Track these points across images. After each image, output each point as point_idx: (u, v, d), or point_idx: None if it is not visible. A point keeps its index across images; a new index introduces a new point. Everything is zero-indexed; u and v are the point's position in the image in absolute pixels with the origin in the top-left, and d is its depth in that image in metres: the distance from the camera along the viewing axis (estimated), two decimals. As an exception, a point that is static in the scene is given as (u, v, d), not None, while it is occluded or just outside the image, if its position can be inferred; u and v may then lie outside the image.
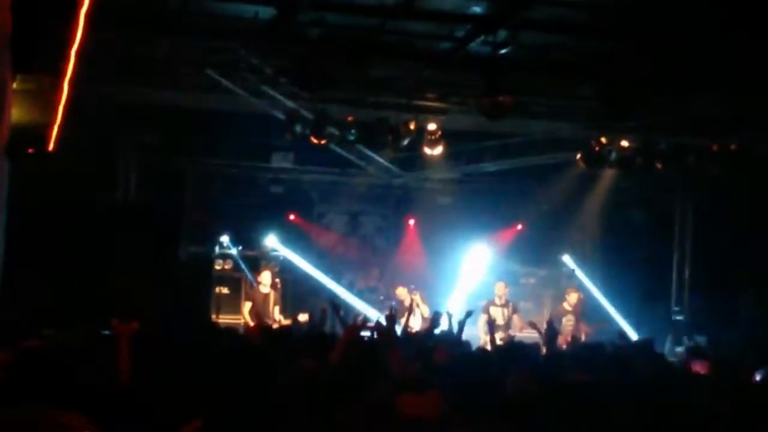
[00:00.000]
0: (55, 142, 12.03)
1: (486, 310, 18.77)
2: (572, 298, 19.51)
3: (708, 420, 6.48)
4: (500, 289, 19.53)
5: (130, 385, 6.18)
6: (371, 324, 12.06)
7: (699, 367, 10.31)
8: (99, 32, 13.60)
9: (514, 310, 18.98)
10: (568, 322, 18.96)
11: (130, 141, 18.28)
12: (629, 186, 20.58)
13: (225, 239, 20.19)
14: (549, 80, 16.68)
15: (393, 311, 10.74)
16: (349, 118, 17.32)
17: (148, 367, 6.66)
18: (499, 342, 15.02)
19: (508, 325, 18.77)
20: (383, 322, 9.50)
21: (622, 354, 11.10)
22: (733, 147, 18.27)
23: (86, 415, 4.16)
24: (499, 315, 18.70)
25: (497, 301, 19.29)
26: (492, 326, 15.02)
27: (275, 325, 17.38)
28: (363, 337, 8.47)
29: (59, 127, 11.34)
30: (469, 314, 13.32)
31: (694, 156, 18.49)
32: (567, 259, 22.04)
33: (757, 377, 9.52)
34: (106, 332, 7.95)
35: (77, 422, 3.93)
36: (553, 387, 6.66)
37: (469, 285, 20.93)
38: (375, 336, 8.46)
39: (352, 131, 17.45)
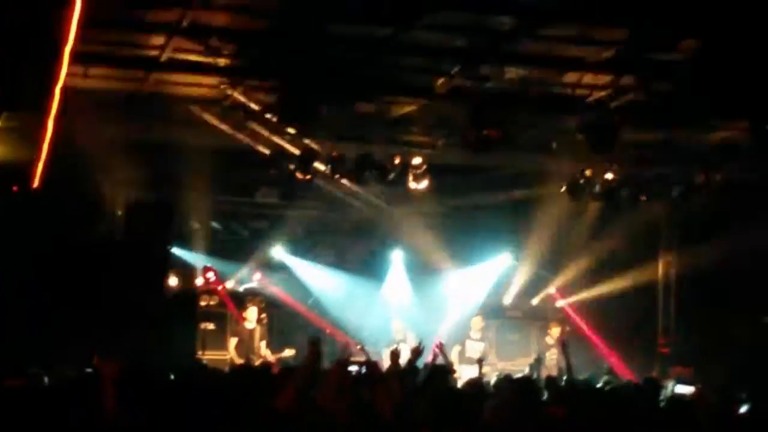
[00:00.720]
0: (39, 179, 12.02)
1: (461, 344, 18.81)
2: (554, 332, 19.55)
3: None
4: (477, 324, 19.60)
5: (116, 424, 6.15)
6: (358, 359, 12.06)
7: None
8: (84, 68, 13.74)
9: (490, 346, 18.90)
10: (551, 357, 19.00)
11: (115, 177, 18.25)
12: (615, 218, 20.61)
13: (211, 274, 20.15)
14: (533, 113, 16.76)
15: (398, 348, 10.67)
16: (335, 154, 17.34)
17: (133, 406, 6.62)
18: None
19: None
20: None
21: (619, 393, 11.06)
22: (718, 177, 18.34)
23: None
24: (474, 350, 18.69)
25: (473, 336, 19.31)
26: (480, 361, 15.03)
27: (259, 361, 17.37)
28: (350, 372, 8.40)
29: (44, 164, 11.33)
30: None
31: (679, 187, 18.55)
32: (553, 292, 22.09)
33: (742, 409, 9.53)
34: (89, 370, 7.91)
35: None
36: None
37: (455, 318, 20.92)
38: (363, 371, 8.41)
39: (338, 166, 17.46)
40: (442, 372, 11.53)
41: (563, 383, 12.68)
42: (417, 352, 10.59)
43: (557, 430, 5.63)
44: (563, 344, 14.25)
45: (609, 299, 21.29)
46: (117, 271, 15.71)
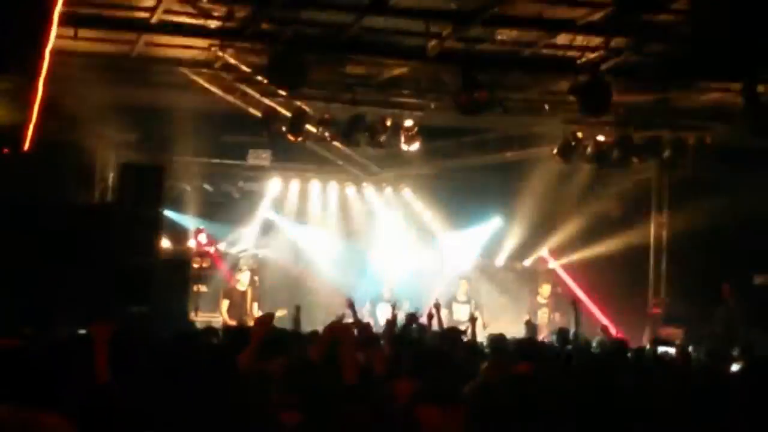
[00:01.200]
0: (30, 142, 12.00)
1: (448, 307, 18.89)
2: (545, 290, 19.71)
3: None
4: (463, 287, 19.68)
5: (108, 384, 6.17)
6: (352, 320, 12.09)
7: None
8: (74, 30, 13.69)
9: (476, 307, 18.91)
10: (543, 315, 19.11)
11: (107, 140, 18.23)
12: (606, 179, 20.66)
13: (203, 236, 20.17)
14: (525, 75, 16.75)
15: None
16: (326, 116, 17.33)
17: (126, 366, 6.65)
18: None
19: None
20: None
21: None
22: (709, 139, 18.38)
23: (64, 414, 4.16)
24: (460, 312, 18.74)
25: (459, 298, 19.39)
26: (473, 320, 15.04)
27: (252, 322, 17.40)
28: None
29: (34, 126, 11.30)
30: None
31: (669, 149, 18.57)
32: (544, 253, 22.16)
33: (734, 368, 9.59)
34: (83, 332, 7.92)
35: (54, 422, 3.93)
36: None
37: (446, 280, 20.97)
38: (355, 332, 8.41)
39: (329, 128, 17.45)
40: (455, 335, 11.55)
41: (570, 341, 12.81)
42: (412, 318, 10.61)
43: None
44: (575, 303, 14.50)
45: (600, 260, 21.36)
46: (108, 234, 15.70)
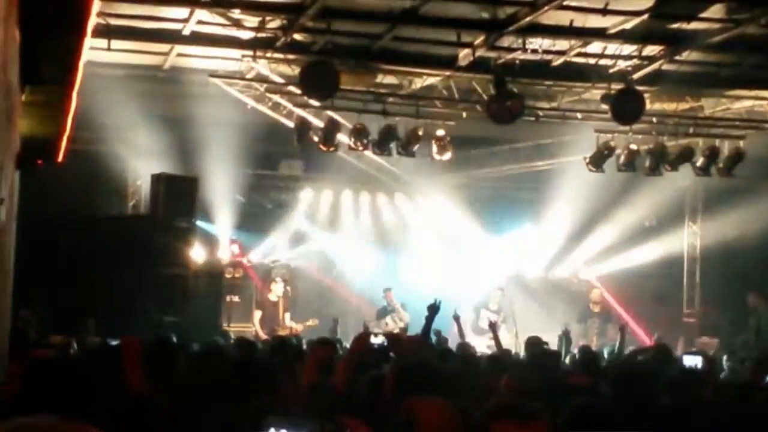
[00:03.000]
0: (64, 154, 12.05)
1: (476, 312, 18.81)
2: (595, 294, 19.56)
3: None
4: (495, 296, 19.53)
5: (142, 394, 6.18)
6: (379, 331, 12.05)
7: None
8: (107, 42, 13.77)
9: (504, 319, 18.75)
10: (592, 324, 18.81)
11: (140, 150, 18.31)
12: (639, 188, 20.53)
13: (235, 247, 20.23)
14: (557, 84, 16.72)
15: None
16: (358, 125, 17.32)
17: (160, 376, 6.67)
18: (486, 349, 15.14)
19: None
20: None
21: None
22: (741, 147, 18.24)
23: (99, 425, 4.16)
24: (486, 320, 18.57)
25: (491, 306, 19.25)
26: (493, 326, 14.89)
27: (284, 332, 17.41)
28: (372, 345, 8.33)
29: (68, 138, 11.35)
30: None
31: (703, 157, 18.43)
32: (583, 262, 22.05)
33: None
34: (114, 342, 7.95)
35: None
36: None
37: (478, 289, 20.88)
38: (384, 343, 8.36)
39: (361, 138, 17.44)
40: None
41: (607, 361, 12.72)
42: (433, 309, 10.47)
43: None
44: (623, 329, 14.45)
45: (634, 270, 21.25)
46: (141, 245, 15.77)
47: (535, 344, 11.96)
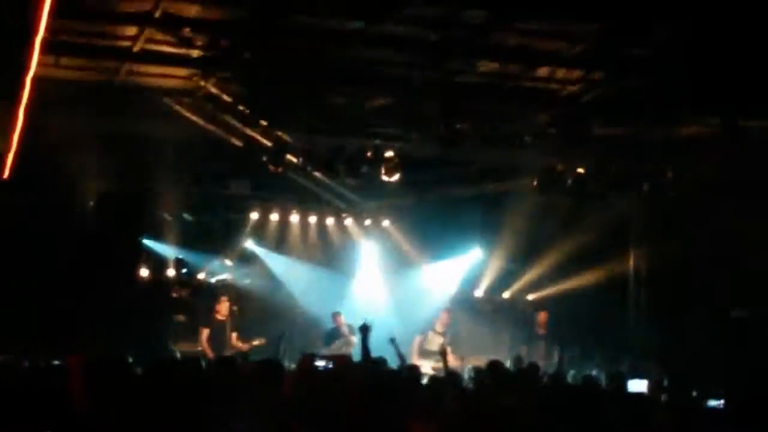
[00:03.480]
0: (10, 170, 11.97)
1: (424, 333, 18.85)
2: (542, 317, 19.65)
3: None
4: (443, 318, 19.50)
5: (85, 413, 6.14)
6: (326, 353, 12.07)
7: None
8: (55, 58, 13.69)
9: (450, 342, 18.76)
10: (539, 347, 18.89)
11: (88, 168, 18.19)
12: (585, 213, 20.67)
13: (182, 266, 20.12)
14: (505, 107, 16.82)
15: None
16: (307, 146, 17.31)
17: (104, 395, 6.62)
18: (431, 371, 15.21)
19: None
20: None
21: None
22: (687, 173, 18.41)
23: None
24: (434, 342, 18.59)
25: (437, 329, 19.23)
26: (444, 354, 14.96)
27: (231, 352, 17.36)
28: (317, 367, 8.39)
29: (14, 154, 11.27)
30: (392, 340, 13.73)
31: (648, 183, 18.57)
32: (529, 285, 22.16)
33: (712, 403, 9.57)
34: (57, 362, 7.91)
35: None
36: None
37: (425, 312, 20.91)
38: (331, 365, 8.41)
39: (310, 159, 17.44)
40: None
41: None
42: (365, 329, 10.54)
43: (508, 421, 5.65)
44: (561, 350, 14.53)
45: (579, 293, 21.36)
46: (88, 263, 15.67)
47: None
